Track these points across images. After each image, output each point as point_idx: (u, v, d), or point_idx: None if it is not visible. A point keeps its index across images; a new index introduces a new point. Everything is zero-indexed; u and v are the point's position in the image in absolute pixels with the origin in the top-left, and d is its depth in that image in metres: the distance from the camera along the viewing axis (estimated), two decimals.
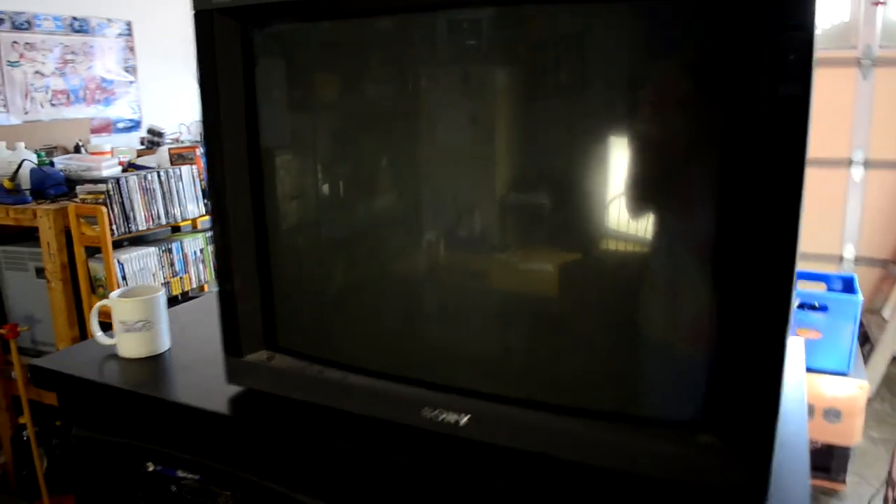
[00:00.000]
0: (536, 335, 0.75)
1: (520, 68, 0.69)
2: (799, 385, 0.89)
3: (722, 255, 0.61)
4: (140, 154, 2.79)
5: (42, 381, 0.99)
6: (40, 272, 2.06)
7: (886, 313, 3.27)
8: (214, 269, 0.87)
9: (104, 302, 1.01)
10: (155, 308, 0.99)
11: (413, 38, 0.73)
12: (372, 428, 0.78)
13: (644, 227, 0.65)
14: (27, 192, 2.06)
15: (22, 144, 2.10)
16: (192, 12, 0.78)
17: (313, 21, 0.77)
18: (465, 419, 0.73)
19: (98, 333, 1.02)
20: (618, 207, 0.65)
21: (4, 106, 2.28)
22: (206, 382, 0.92)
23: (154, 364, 0.99)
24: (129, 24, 3.28)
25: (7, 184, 2.03)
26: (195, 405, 0.86)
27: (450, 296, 0.79)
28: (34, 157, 2.20)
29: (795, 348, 1.00)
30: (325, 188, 0.84)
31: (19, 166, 2.03)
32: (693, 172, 0.64)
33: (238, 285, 0.84)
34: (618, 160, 0.66)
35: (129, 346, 1.00)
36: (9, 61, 2.29)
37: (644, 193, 0.65)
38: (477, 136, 0.73)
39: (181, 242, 2.34)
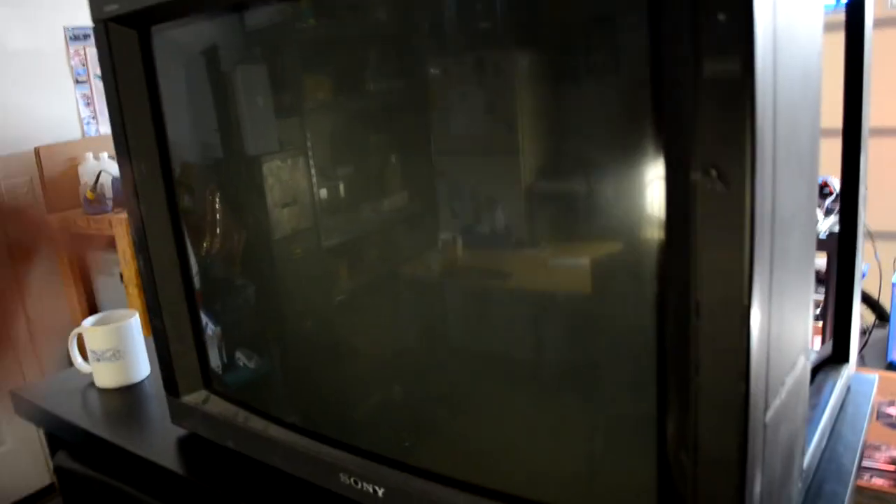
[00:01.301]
0: (457, 406, 0.60)
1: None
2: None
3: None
4: None
5: (21, 409, 0.96)
6: (122, 277, 2.13)
7: None
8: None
9: (77, 329, 0.96)
10: (125, 336, 0.94)
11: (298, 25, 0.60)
12: (294, 488, 0.67)
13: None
14: (109, 202, 2.13)
15: (105, 154, 2.17)
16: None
17: (205, 18, 0.66)
18: (381, 492, 0.61)
19: (78, 361, 0.98)
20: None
21: (94, 118, 2.37)
22: (164, 420, 0.85)
23: (125, 396, 0.94)
24: None
25: (89, 194, 2.11)
26: (131, 450, 0.79)
27: (369, 354, 0.66)
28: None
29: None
30: (243, 221, 0.73)
31: (98, 177, 2.10)
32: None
33: (168, 323, 0.76)
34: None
35: (102, 376, 0.95)
36: (96, 74, 2.38)
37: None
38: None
39: None
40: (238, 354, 0.76)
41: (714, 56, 0.36)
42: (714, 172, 0.37)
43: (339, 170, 0.61)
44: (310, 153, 0.61)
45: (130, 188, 0.72)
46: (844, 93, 0.66)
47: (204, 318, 0.77)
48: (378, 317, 0.64)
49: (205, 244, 0.75)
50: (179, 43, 0.69)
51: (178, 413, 0.79)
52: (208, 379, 0.78)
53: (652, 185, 0.42)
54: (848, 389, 0.76)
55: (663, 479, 0.46)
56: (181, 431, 0.81)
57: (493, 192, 0.53)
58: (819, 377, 0.72)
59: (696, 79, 0.36)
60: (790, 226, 0.43)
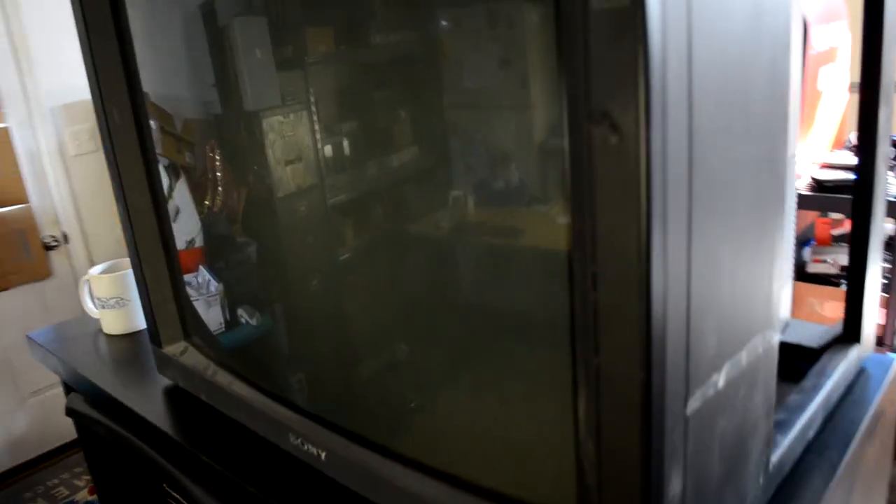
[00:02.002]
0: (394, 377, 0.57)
1: None
2: None
3: None
4: None
5: (36, 353, 1.00)
6: None
7: None
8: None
9: (86, 276, 0.98)
10: (129, 284, 0.95)
11: None
12: (256, 445, 0.66)
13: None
14: None
15: None
16: None
17: None
18: (324, 455, 0.59)
19: (88, 307, 1.00)
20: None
21: None
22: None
23: (128, 342, 0.95)
24: None
25: None
26: (121, 399, 0.81)
27: (322, 319, 0.63)
28: None
29: None
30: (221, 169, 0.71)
31: None
32: None
33: (147, 273, 0.76)
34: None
35: (108, 322, 0.97)
36: None
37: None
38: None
39: None
40: (240, 312, 0.75)
41: None
42: (606, 121, 0.31)
43: (343, 125, 0.57)
44: (313, 108, 0.58)
45: (105, 135, 0.72)
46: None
47: (207, 274, 0.76)
48: (364, 280, 0.61)
49: (206, 201, 0.73)
50: (159, 8, 0.67)
51: (161, 363, 0.80)
52: (187, 331, 0.78)
53: (557, 138, 0.37)
54: (861, 372, 0.68)
55: (579, 468, 0.41)
56: (168, 381, 0.81)
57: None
58: (824, 358, 0.65)
59: (584, 9, 0.31)
60: (725, 185, 0.37)
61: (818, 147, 2.02)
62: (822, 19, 1.98)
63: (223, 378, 0.70)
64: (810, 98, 1.93)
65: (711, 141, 0.35)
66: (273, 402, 0.64)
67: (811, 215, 2.09)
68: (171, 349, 0.78)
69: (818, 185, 1.82)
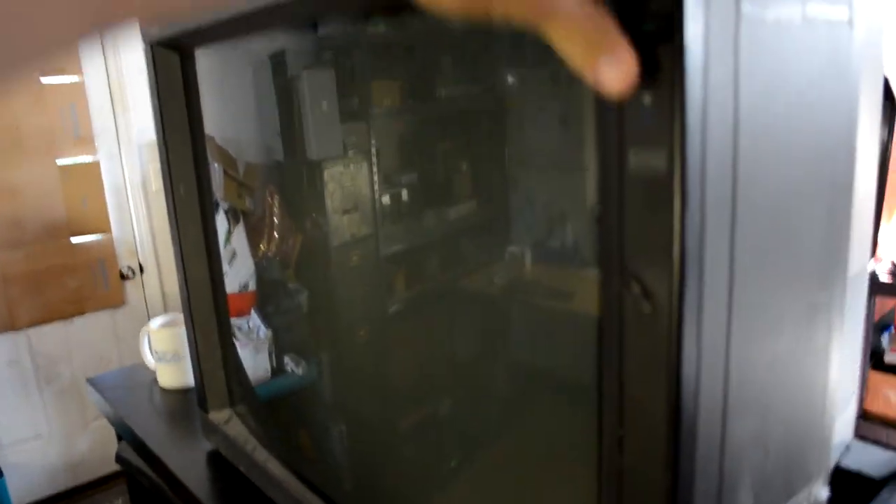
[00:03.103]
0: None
1: None
2: None
3: None
4: None
5: (94, 397, 1.03)
6: None
7: None
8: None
9: (145, 328, 1.01)
10: (185, 341, 0.97)
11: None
12: None
13: None
14: None
15: None
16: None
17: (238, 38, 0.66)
18: None
19: (147, 358, 1.03)
20: None
21: None
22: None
23: (180, 398, 0.97)
24: None
25: None
26: (163, 459, 0.82)
27: (365, 377, 0.63)
28: None
29: None
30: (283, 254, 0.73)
31: None
32: None
33: (199, 341, 0.78)
34: None
35: (163, 375, 0.99)
36: None
37: None
38: None
39: None
40: (286, 360, 0.76)
41: (637, 145, 0.29)
42: (637, 288, 0.30)
43: (402, 177, 0.58)
44: (373, 159, 0.58)
45: (171, 209, 0.74)
46: None
47: (258, 319, 0.77)
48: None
49: (262, 246, 0.75)
50: (231, 59, 0.69)
51: (206, 428, 0.81)
52: (234, 399, 0.79)
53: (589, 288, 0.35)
54: None
55: None
56: (212, 445, 0.82)
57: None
58: (884, 493, 0.60)
59: (620, 171, 0.30)
60: (765, 332, 0.35)
61: None
62: None
63: (261, 454, 0.70)
64: None
65: (754, 302, 0.33)
66: (305, 489, 0.64)
67: (891, 301, 1.98)
68: (216, 416, 0.79)
69: None
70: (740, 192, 0.31)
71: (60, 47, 0.18)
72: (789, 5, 0.32)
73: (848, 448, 0.70)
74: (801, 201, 0.36)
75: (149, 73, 0.72)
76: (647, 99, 0.28)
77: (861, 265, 0.65)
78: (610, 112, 0.30)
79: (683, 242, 0.29)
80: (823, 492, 0.45)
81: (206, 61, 0.70)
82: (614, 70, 0.26)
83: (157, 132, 0.73)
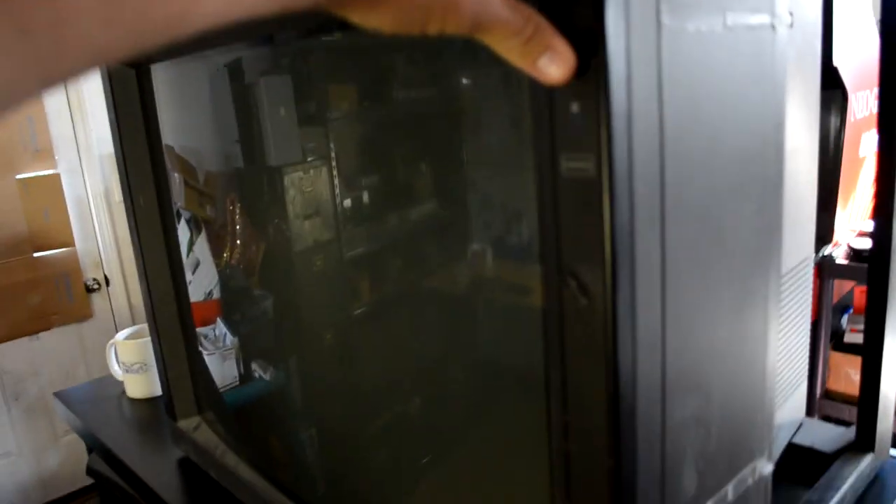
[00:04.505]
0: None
1: None
2: None
3: None
4: None
5: (61, 411, 1.03)
6: None
7: None
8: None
9: (112, 340, 1.01)
10: (152, 351, 0.98)
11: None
12: None
13: None
14: None
15: None
16: None
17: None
18: None
19: (114, 369, 1.03)
20: None
21: None
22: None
23: (149, 408, 0.98)
24: None
25: None
26: (135, 470, 0.82)
27: (333, 381, 0.64)
28: None
29: None
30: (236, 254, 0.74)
31: None
32: None
33: (165, 349, 0.78)
34: None
35: (131, 386, 1.00)
36: None
37: None
38: None
39: None
40: (254, 366, 0.77)
41: (568, 150, 0.31)
42: (574, 283, 0.32)
43: (362, 180, 0.59)
44: (333, 163, 0.59)
45: (132, 221, 0.75)
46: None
47: (224, 327, 0.78)
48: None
49: (225, 254, 0.75)
50: (187, 71, 0.70)
51: (175, 436, 0.81)
52: (201, 406, 0.79)
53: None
54: (874, 481, 0.67)
55: None
56: (182, 452, 0.83)
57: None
58: (835, 467, 0.64)
59: (554, 173, 0.32)
60: (704, 327, 0.37)
61: (858, 215, 1.98)
62: (862, 85, 1.96)
63: (231, 459, 0.71)
64: (851, 165, 1.90)
65: (688, 294, 0.35)
66: (276, 491, 0.65)
67: (849, 284, 2.05)
68: (184, 423, 0.80)
69: (855, 254, 1.79)
70: (669, 192, 0.33)
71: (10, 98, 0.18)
72: (710, 15, 0.34)
73: (801, 425, 0.73)
74: (731, 199, 0.38)
75: (105, 89, 0.73)
76: (575, 107, 0.30)
77: (805, 254, 0.68)
78: (543, 119, 0.32)
79: (614, 240, 0.31)
80: (768, 467, 0.47)
81: (163, 74, 0.71)
82: (555, 65, 0.28)
83: (115, 145, 0.74)
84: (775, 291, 0.45)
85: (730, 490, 0.42)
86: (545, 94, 0.31)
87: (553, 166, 0.32)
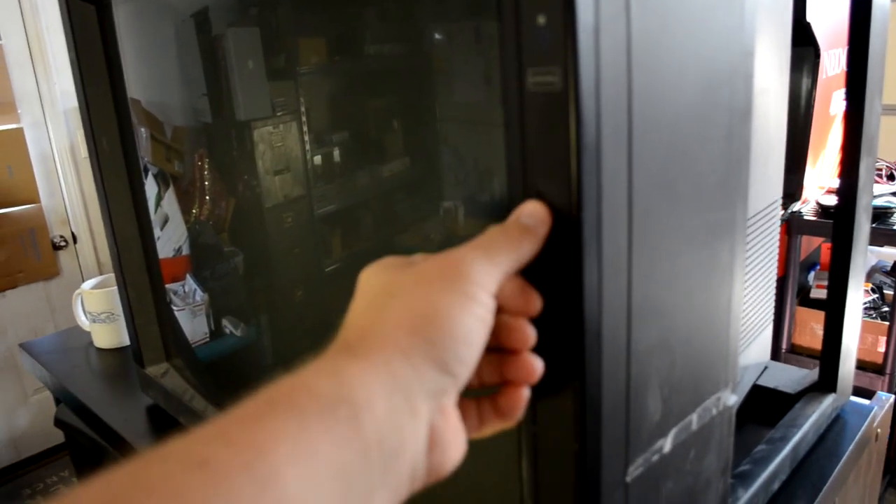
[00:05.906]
0: None
1: None
2: None
3: None
4: None
5: (27, 363, 1.01)
6: None
7: None
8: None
9: (78, 290, 1.00)
10: (118, 300, 0.96)
11: None
12: None
13: None
14: None
15: None
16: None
17: None
18: None
19: (81, 320, 1.01)
20: None
21: None
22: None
23: (117, 357, 0.97)
24: None
25: None
26: (103, 418, 0.82)
27: (304, 333, 0.64)
28: None
29: None
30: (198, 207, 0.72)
31: None
32: None
33: (132, 295, 0.77)
34: None
35: (98, 336, 0.98)
36: None
37: None
38: None
39: None
40: (224, 322, 0.76)
41: (534, 65, 0.30)
42: (541, 200, 0.32)
43: (333, 136, 0.57)
44: (303, 118, 0.58)
45: (95, 164, 0.73)
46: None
47: (193, 284, 0.77)
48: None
49: (194, 210, 0.74)
50: (151, 16, 0.68)
51: (144, 383, 0.81)
52: (169, 353, 0.79)
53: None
54: (836, 420, 0.68)
55: None
56: (150, 400, 0.83)
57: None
58: (797, 406, 0.65)
59: (520, 89, 0.31)
60: (671, 253, 0.37)
61: (827, 172, 2.00)
62: (834, 43, 1.97)
63: (199, 403, 0.71)
64: (822, 123, 1.92)
65: (655, 217, 0.35)
66: None
67: (817, 240, 2.08)
68: (153, 370, 0.79)
69: (823, 211, 1.81)
70: (636, 110, 0.33)
71: None
72: None
73: (766, 368, 0.75)
74: (699, 123, 0.38)
75: (64, 25, 0.70)
76: (541, 19, 0.30)
77: (773, 197, 0.69)
78: (509, 33, 0.31)
79: (580, 156, 0.30)
80: (731, 398, 0.48)
81: (125, 16, 0.69)
82: None
83: (77, 85, 0.71)
84: (742, 223, 0.45)
85: (694, 419, 0.43)
86: (511, 7, 0.30)
87: (519, 81, 0.31)
